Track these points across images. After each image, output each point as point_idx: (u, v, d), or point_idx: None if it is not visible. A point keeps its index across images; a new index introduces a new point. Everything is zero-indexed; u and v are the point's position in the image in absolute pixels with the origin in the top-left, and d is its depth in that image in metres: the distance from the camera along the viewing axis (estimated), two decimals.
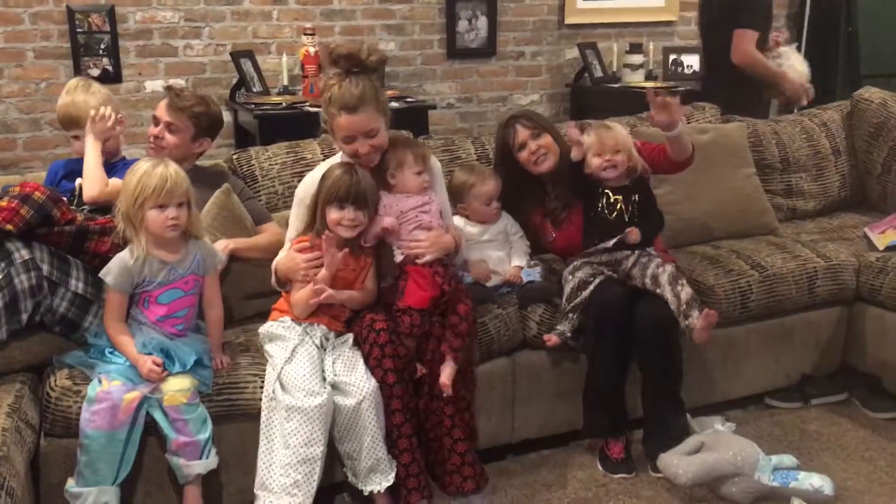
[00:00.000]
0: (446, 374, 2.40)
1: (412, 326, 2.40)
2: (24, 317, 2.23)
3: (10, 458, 1.90)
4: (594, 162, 2.65)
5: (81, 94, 2.63)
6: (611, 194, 2.67)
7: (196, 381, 2.25)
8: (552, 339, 2.61)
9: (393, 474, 2.36)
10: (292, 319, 2.40)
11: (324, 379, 2.32)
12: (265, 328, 2.41)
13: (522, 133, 2.82)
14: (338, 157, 2.60)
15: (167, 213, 2.23)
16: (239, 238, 2.63)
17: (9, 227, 2.17)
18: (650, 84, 5.03)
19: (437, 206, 2.56)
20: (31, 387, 2.27)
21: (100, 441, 2.13)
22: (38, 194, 2.22)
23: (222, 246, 2.55)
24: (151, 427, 2.23)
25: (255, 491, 2.25)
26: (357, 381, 2.31)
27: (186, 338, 2.34)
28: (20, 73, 4.39)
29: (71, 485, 2.16)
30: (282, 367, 2.28)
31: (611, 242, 2.64)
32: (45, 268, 2.24)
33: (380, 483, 2.34)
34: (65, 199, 2.36)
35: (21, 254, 2.20)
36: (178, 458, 2.22)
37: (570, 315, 2.62)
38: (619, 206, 2.66)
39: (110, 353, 2.26)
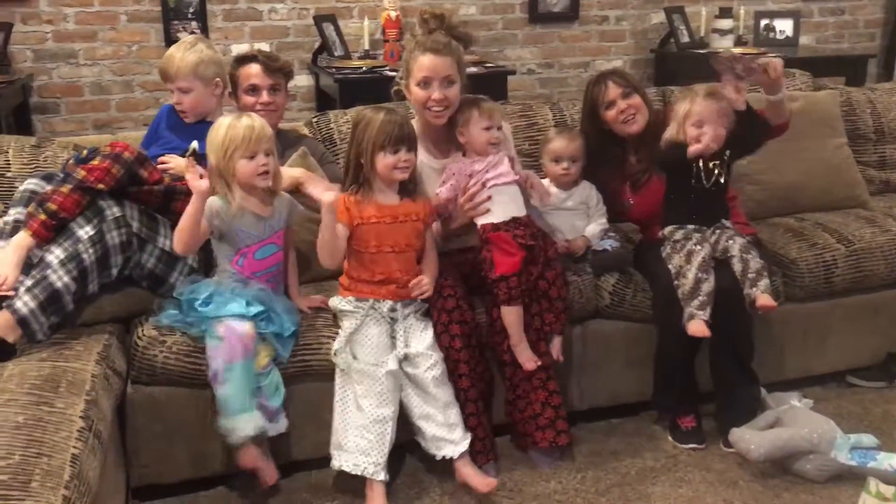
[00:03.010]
0: (555, 348, 2.49)
1: (510, 290, 2.38)
2: (115, 271, 2.33)
3: (98, 402, 2.00)
4: (691, 132, 2.52)
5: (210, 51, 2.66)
6: (705, 161, 2.54)
7: (272, 352, 2.30)
8: (703, 331, 2.46)
9: (466, 442, 2.36)
10: (356, 298, 2.38)
11: (394, 348, 2.35)
12: (333, 302, 2.43)
13: (613, 90, 2.72)
14: None
15: (257, 160, 2.27)
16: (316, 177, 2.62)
17: (101, 185, 2.27)
18: (738, 50, 4.87)
19: (504, 156, 2.51)
20: (119, 336, 2.38)
21: (237, 371, 2.18)
22: (126, 154, 2.32)
23: (298, 173, 2.55)
24: None
25: (331, 451, 2.31)
26: (426, 351, 2.34)
27: (284, 298, 2.39)
28: (113, 35, 4.55)
29: (221, 422, 2.21)
30: (351, 339, 2.32)
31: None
32: (135, 225, 2.34)
33: (452, 450, 2.35)
34: (150, 160, 2.42)
35: (112, 211, 2.30)
36: None
37: (701, 297, 2.47)
38: (715, 172, 2.55)
39: (202, 305, 2.27)
